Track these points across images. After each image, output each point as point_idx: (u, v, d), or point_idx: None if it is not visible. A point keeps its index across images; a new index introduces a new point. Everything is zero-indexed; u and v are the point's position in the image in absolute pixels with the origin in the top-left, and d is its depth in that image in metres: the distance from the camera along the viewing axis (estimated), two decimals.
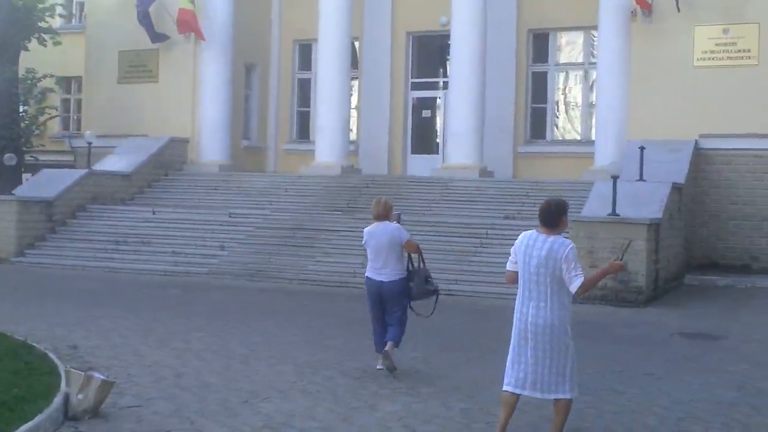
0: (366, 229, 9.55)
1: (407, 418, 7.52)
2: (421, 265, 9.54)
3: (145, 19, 23.83)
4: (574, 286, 6.47)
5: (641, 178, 17.02)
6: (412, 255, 9.56)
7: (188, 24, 23.46)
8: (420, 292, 9.45)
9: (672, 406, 8.15)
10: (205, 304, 14.21)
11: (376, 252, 9.38)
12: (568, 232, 15.26)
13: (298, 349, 10.46)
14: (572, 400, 6.67)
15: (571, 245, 6.57)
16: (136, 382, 8.52)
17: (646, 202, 16.07)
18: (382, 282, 9.36)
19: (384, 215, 9.51)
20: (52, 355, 8.95)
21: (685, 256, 18.18)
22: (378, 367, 9.31)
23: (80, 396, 7.16)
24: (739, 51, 19.27)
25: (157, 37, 23.98)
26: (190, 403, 7.81)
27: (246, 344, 10.69)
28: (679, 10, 19.10)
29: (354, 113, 25.46)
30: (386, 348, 9.22)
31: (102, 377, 7.44)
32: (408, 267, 9.49)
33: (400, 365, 9.26)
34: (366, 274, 9.54)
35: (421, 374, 9.36)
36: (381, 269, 9.36)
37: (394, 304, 9.34)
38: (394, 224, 9.49)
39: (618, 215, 15.25)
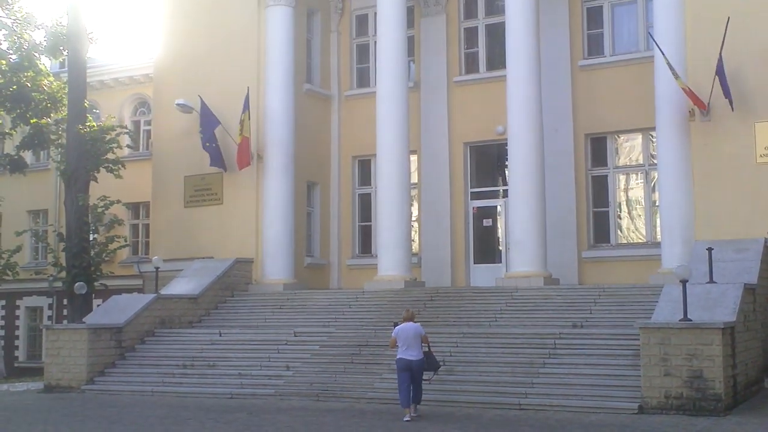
0: (397, 327, 14.99)
1: None
2: (429, 350, 15.14)
3: (211, 144, 24.51)
4: None
5: (711, 280, 16.61)
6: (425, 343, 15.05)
7: (244, 158, 24.00)
8: (432, 365, 15.14)
9: None
10: (272, 428, 14.06)
11: (406, 341, 14.74)
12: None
13: None
14: None
15: None
16: None
17: (719, 305, 15.61)
18: (411, 360, 14.65)
19: (410, 318, 15.07)
20: None
21: (763, 359, 17.49)
22: (405, 419, 14.39)
23: None
24: None
25: (218, 163, 24.56)
26: None
27: None
28: (733, 110, 19.02)
29: (415, 225, 25.57)
30: (414, 407, 14.59)
31: None
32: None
33: None
34: (398, 356, 14.75)
35: None
36: (408, 351, 14.67)
37: (418, 373, 14.75)
38: (417, 324, 14.99)
39: (691, 320, 14.81)
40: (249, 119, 24.07)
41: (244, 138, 24.04)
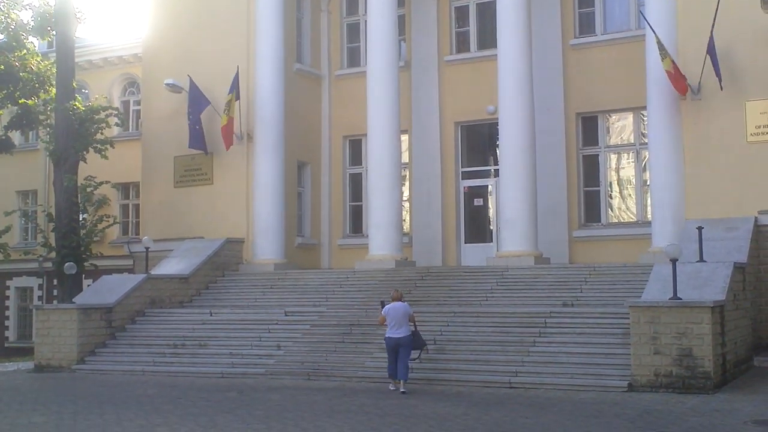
0: (387, 306, 15.69)
1: None
2: (415, 328, 15.80)
3: (195, 126, 24.37)
4: None
5: (701, 259, 16.64)
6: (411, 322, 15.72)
7: (228, 139, 23.94)
8: (419, 343, 15.76)
9: None
10: (263, 407, 14.05)
11: (395, 319, 15.43)
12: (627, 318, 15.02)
13: None
14: None
15: None
16: None
17: (709, 284, 15.65)
18: (399, 337, 15.36)
19: (399, 298, 15.80)
20: None
21: (752, 337, 17.57)
22: (391, 387, 15.41)
23: None
24: None
25: (198, 145, 24.45)
26: None
27: None
28: (722, 89, 19.02)
29: (406, 205, 25.54)
30: (402, 383, 15.12)
31: None
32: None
33: None
34: (387, 335, 15.47)
35: None
36: (397, 330, 15.39)
37: (406, 351, 15.38)
38: (405, 303, 15.76)
39: (680, 299, 14.84)
40: (236, 100, 23.93)
41: (229, 119, 23.90)
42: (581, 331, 16.63)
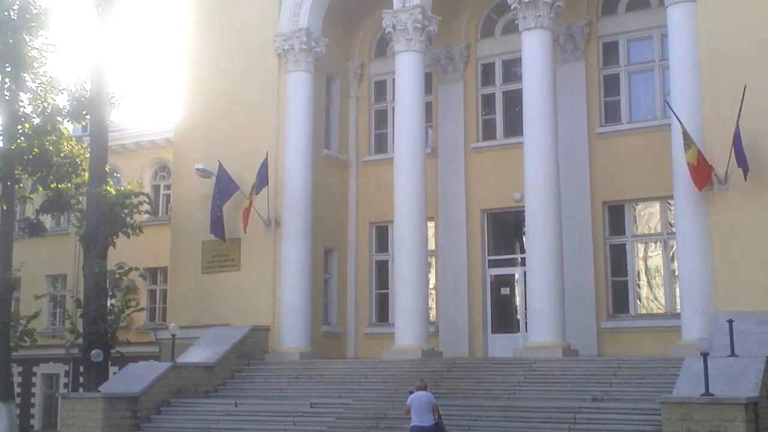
0: (411, 395, 16.29)
1: None
2: (439, 418, 16.17)
3: (217, 213, 24.53)
4: None
5: (733, 353, 16.36)
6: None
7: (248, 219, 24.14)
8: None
9: None
10: None
11: (419, 409, 16.03)
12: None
13: None
14: None
15: None
16: None
17: (741, 380, 15.39)
18: (423, 426, 15.90)
19: (423, 388, 16.35)
20: None
21: None
22: None
23: None
24: None
25: (216, 231, 24.61)
26: None
27: None
28: (746, 180, 18.89)
29: (432, 293, 25.41)
30: None
31: None
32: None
33: None
34: (412, 424, 16.01)
35: None
36: (421, 418, 15.91)
37: None
38: (429, 393, 16.34)
39: (713, 395, 14.57)
40: (265, 185, 24.09)
41: (250, 202, 24.04)
42: (612, 428, 16.32)
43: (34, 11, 28.23)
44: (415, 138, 23.75)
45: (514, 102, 25.23)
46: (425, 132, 24.77)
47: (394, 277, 24.01)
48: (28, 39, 28.09)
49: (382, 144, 27.60)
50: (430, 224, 25.33)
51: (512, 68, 25.77)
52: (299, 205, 24.82)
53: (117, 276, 26.27)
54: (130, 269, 26.54)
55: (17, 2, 28.11)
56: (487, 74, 26.44)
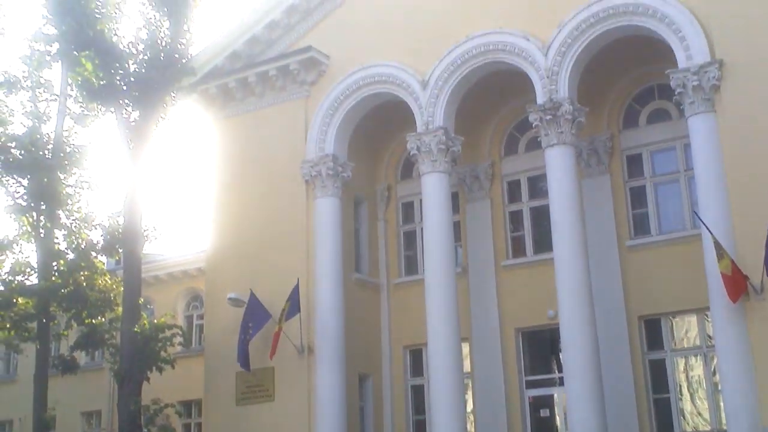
0: None
1: None
2: None
3: (244, 344, 24.35)
4: None
5: None
6: None
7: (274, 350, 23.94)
8: None
9: None
10: None
11: None
12: None
13: None
14: None
15: None
16: None
17: None
18: None
19: None
20: None
21: None
22: None
23: None
24: None
25: (241, 361, 24.39)
26: None
27: None
28: None
29: (470, 417, 24.79)
30: None
31: None
32: None
33: None
34: None
35: None
36: None
37: None
38: None
39: None
40: (297, 312, 23.93)
41: (279, 328, 23.88)
42: None
43: (68, 150, 29.00)
44: (445, 258, 23.59)
45: (542, 218, 25.14)
46: (455, 251, 24.65)
47: (431, 403, 23.36)
48: (62, 177, 28.77)
49: (412, 265, 27.48)
50: (464, 344, 24.91)
51: (538, 184, 25.79)
52: (332, 331, 24.57)
53: (152, 413, 25.97)
54: (165, 405, 26.22)
55: (51, 142, 28.92)
56: (513, 191, 26.47)
